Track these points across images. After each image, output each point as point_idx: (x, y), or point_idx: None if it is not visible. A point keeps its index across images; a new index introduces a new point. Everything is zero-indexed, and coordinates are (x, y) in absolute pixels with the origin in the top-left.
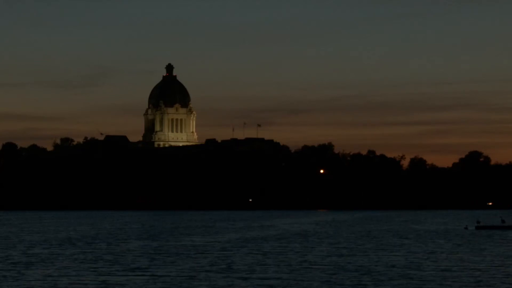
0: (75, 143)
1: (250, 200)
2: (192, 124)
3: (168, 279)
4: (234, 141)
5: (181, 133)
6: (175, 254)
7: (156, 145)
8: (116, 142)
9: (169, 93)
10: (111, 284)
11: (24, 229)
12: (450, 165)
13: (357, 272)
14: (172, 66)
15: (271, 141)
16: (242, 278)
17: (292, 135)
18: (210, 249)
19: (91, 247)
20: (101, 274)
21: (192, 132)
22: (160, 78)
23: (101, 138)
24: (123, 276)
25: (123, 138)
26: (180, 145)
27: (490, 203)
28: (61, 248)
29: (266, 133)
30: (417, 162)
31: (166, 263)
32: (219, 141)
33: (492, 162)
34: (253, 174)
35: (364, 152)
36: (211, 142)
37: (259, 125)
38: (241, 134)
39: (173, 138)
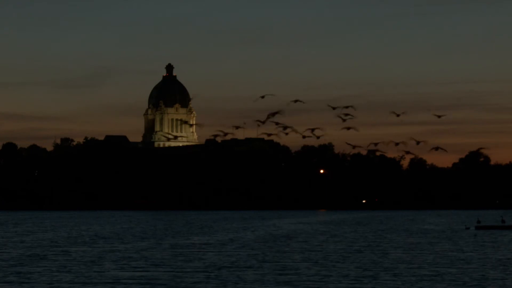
0: (75, 143)
1: (251, 200)
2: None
3: (175, 278)
4: (234, 141)
5: (181, 133)
6: (181, 253)
7: (156, 145)
8: (116, 142)
9: (169, 93)
10: (125, 280)
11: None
12: (450, 165)
13: (358, 271)
14: (172, 66)
15: (271, 141)
16: (247, 277)
17: (292, 135)
18: (212, 248)
19: (98, 247)
20: (112, 273)
21: (192, 132)
22: (160, 78)
23: (101, 137)
24: (133, 273)
25: (123, 138)
26: (180, 145)
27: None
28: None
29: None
30: (417, 162)
31: (173, 262)
32: (219, 141)
33: (492, 162)
34: (253, 174)
35: (364, 152)
36: (211, 142)
37: (259, 125)
38: (241, 134)
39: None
